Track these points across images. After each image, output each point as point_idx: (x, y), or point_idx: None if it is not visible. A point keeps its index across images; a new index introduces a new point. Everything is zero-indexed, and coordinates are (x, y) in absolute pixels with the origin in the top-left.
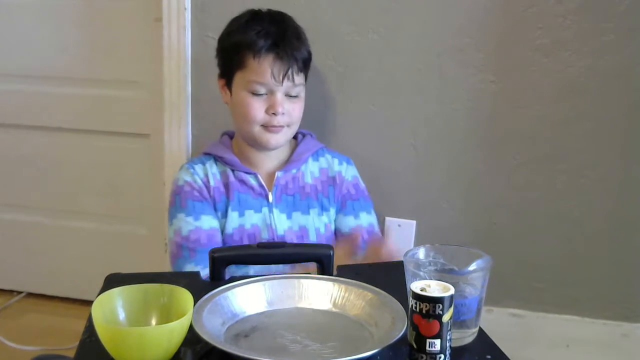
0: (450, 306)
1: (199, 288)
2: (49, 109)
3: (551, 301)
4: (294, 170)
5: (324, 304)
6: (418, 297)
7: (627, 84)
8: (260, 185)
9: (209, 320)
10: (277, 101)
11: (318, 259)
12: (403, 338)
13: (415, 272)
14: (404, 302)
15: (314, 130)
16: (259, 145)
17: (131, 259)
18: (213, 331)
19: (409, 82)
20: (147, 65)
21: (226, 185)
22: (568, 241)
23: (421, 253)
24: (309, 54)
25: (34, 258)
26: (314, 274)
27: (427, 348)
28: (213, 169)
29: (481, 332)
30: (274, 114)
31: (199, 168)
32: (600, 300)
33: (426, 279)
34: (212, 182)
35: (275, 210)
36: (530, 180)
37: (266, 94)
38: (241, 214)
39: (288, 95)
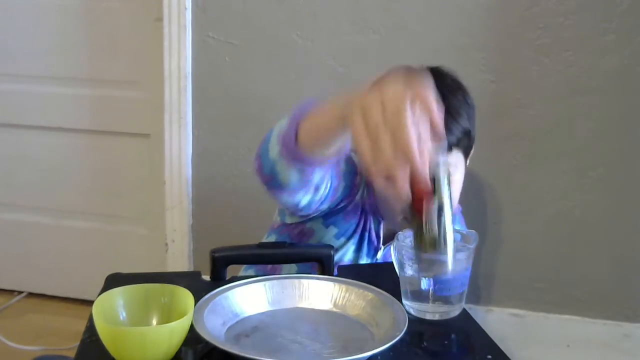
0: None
1: (200, 288)
2: (49, 109)
3: (551, 301)
4: None
5: (325, 304)
6: None
7: (627, 84)
8: (377, 235)
9: (209, 320)
10: None
11: (318, 259)
12: (403, 338)
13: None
14: None
15: None
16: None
17: (131, 259)
18: (214, 331)
19: None
20: (147, 65)
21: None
22: (568, 241)
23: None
24: (463, 130)
25: (34, 258)
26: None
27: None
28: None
29: (481, 332)
30: None
31: None
32: (600, 300)
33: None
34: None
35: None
36: (530, 180)
37: None
38: (338, 237)
39: None
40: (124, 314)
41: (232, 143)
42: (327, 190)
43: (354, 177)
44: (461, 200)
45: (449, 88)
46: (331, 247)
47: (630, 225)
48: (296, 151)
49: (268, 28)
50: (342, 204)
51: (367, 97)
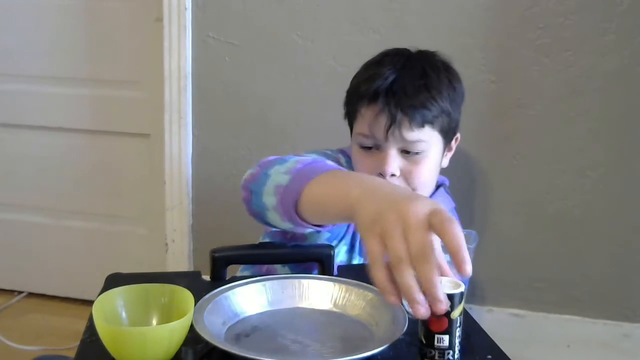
0: (460, 302)
1: (200, 288)
2: (49, 109)
3: (552, 301)
4: None
5: (325, 304)
6: None
7: (627, 84)
8: None
9: (209, 320)
10: (385, 159)
11: (318, 259)
12: (403, 338)
13: None
14: None
15: (317, 130)
16: None
17: (131, 259)
18: (214, 331)
19: None
20: (147, 65)
21: None
22: (568, 241)
23: None
24: (441, 109)
25: (34, 258)
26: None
27: (436, 343)
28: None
29: (481, 332)
30: (381, 174)
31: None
32: (601, 300)
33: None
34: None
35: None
36: (530, 180)
37: (375, 149)
38: (331, 240)
39: (404, 152)
40: (124, 314)
41: (232, 143)
42: None
43: None
44: (461, 200)
45: (432, 66)
46: (331, 247)
47: (630, 225)
48: (294, 216)
49: (268, 28)
50: None
51: (386, 220)
